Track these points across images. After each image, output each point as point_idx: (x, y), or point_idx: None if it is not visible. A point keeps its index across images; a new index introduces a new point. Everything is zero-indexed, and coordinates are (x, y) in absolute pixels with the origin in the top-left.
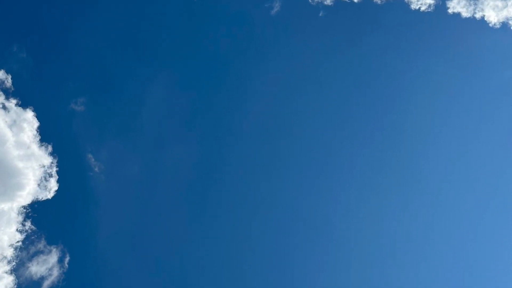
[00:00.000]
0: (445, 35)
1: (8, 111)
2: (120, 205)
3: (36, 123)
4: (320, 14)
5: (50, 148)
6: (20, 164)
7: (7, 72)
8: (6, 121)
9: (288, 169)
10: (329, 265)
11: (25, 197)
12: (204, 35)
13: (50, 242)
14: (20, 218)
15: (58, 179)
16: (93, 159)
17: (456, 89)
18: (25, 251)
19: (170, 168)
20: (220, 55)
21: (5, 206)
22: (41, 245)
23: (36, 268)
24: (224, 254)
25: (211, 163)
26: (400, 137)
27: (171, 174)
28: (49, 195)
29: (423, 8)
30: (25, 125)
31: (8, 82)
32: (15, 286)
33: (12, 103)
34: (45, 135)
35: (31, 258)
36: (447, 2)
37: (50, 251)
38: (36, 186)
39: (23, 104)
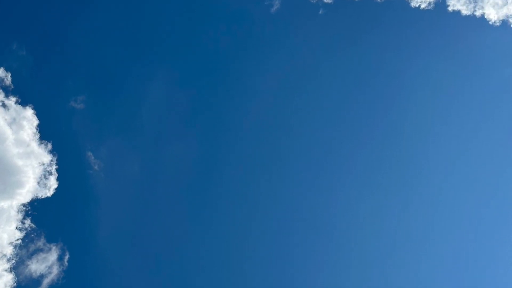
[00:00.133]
0: (445, 33)
1: (8, 109)
2: (119, 203)
3: (35, 121)
4: (320, 12)
5: (49, 146)
6: (20, 162)
7: (6, 70)
8: (5, 119)
9: (288, 167)
10: (329, 264)
11: (25, 195)
12: (203, 32)
13: (50, 240)
14: (20, 216)
15: (57, 177)
16: (92, 157)
17: (456, 87)
18: (25, 249)
19: (170, 166)
20: (220, 53)
21: (5, 204)
22: (40, 243)
23: (36, 266)
24: (223, 252)
25: (210, 161)
26: (400, 135)
27: (171, 172)
28: (49, 193)
29: (423, 6)
30: (24, 123)
31: (8, 80)
32: (15, 284)
33: (11, 101)
34: (44, 133)
35: (30, 256)
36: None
37: (50, 249)
38: (35, 184)
39: (22, 102)
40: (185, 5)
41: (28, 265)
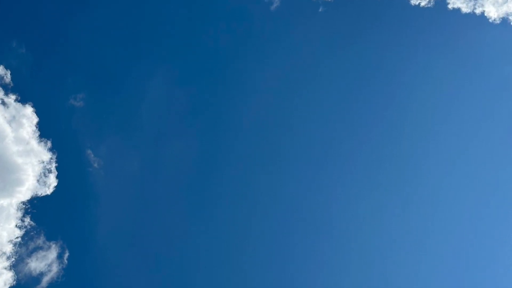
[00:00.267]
0: (445, 31)
1: (7, 107)
2: (119, 201)
3: (35, 119)
4: (320, 10)
5: (49, 144)
6: (19, 160)
7: (6, 67)
8: (5, 117)
9: (287, 165)
10: (328, 263)
11: (24, 193)
12: (203, 31)
13: (49, 238)
14: (19, 214)
15: (57, 175)
16: (92, 155)
17: (456, 84)
18: (24, 247)
19: (169, 164)
20: (220, 51)
21: (4, 202)
22: (40, 241)
23: (36, 264)
24: (223, 249)
25: (210, 159)
26: (400, 133)
27: (170, 170)
28: (48, 191)
29: (423, 4)
30: (24, 120)
31: (7, 77)
32: (14, 282)
33: (11, 98)
34: (44, 130)
35: (30, 254)
36: None
37: (49, 247)
38: (35, 182)
39: (22, 100)
40: (185, 3)
41: (27, 263)
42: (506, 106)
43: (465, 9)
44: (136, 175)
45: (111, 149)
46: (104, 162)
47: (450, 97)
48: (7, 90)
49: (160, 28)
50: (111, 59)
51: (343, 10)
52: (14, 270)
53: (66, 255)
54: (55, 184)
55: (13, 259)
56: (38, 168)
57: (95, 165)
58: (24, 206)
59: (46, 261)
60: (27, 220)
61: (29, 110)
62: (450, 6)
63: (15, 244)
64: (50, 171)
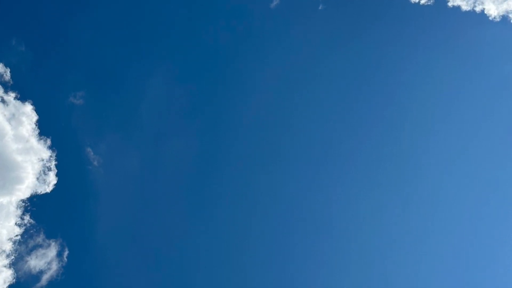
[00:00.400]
0: (445, 29)
1: (7, 105)
2: (119, 199)
3: (35, 117)
4: (320, 7)
5: (49, 142)
6: (19, 158)
7: (6, 65)
8: (5, 115)
9: (287, 163)
10: (328, 262)
11: (24, 190)
12: (203, 28)
13: (49, 236)
14: (19, 212)
15: (57, 172)
16: (92, 153)
17: (456, 82)
18: (24, 245)
19: (169, 162)
20: (220, 48)
21: (4, 199)
22: (40, 239)
23: (35, 262)
24: (222, 247)
25: (210, 157)
26: (400, 131)
27: (170, 168)
28: (48, 188)
29: (423, 1)
30: (24, 118)
31: (7, 75)
32: (14, 280)
33: (11, 96)
34: (44, 128)
35: (30, 252)
36: None
37: (49, 245)
38: (35, 179)
39: (22, 98)
40: (184, 1)
41: (27, 261)
42: (506, 104)
43: (465, 7)
44: (136, 173)
45: (111, 147)
46: (104, 160)
47: (450, 95)
48: (7, 88)
49: (160, 26)
50: (111, 57)
51: (343, 7)
52: (13, 268)
53: (66, 253)
54: (55, 182)
55: (12, 257)
56: (38, 166)
57: (95, 163)
58: (23, 204)
59: (46, 259)
60: (27, 218)
61: (28, 108)
62: (450, 4)
63: (14, 242)
64: (49, 169)
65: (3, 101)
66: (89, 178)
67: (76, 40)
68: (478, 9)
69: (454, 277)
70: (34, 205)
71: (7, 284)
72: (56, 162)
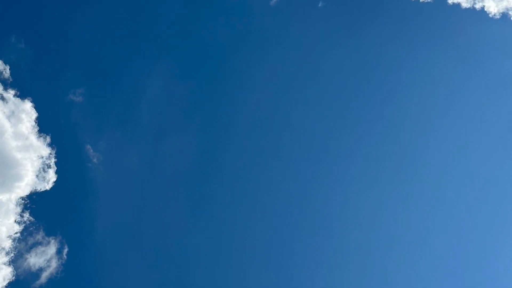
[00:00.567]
0: (445, 26)
1: (6, 102)
2: (118, 197)
3: (34, 114)
4: (320, 5)
5: (48, 139)
6: (18, 155)
7: (5, 62)
8: (4, 112)
9: (287, 161)
10: (328, 260)
11: (24, 188)
12: (203, 26)
13: (49, 233)
14: (19, 209)
15: (56, 170)
16: (91, 150)
17: (455, 80)
18: (23, 243)
19: (169, 159)
20: (219, 46)
21: (3, 197)
22: (39, 236)
23: (35, 260)
24: (222, 245)
25: (210, 155)
26: (399, 129)
27: (170, 166)
28: (48, 186)
29: None
30: (23, 116)
31: (6, 72)
32: (14, 277)
33: (10, 93)
34: (43, 126)
35: (29, 249)
36: None
37: (49, 243)
38: (34, 177)
39: (21, 95)
40: None
41: (26, 259)
42: (506, 102)
43: (465, 4)
44: (136, 171)
45: (111, 145)
46: (104, 158)
47: (450, 93)
48: (6, 85)
49: (159, 24)
50: (111, 54)
51: (342, 5)
52: (13, 265)
53: (65, 250)
54: (54, 179)
55: (12, 255)
56: (37, 164)
57: (95, 160)
58: (23, 201)
59: (45, 257)
60: (26, 215)
61: (28, 105)
62: (450, 1)
63: (14, 240)
64: (49, 166)
65: (3, 98)
66: (88, 175)
67: (76, 37)
68: (478, 6)
69: (454, 276)
70: (33, 203)
71: (6, 282)
72: (55, 160)
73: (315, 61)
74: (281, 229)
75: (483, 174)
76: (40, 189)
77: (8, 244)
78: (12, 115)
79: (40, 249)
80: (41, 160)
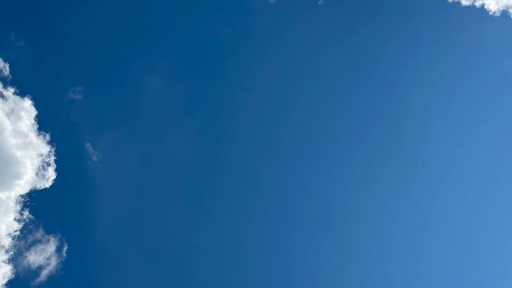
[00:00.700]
0: (445, 24)
1: (6, 100)
2: (118, 194)
3: (34, 112)
4: (319, 2)
5: (48, 137)
6: (18, 153)
7: (5, 60)
8: (4, 110)
9: (287, 159)
10: (327, 260)
11: (23, 186)
12: (202, 24)
13: (48, 231)
14: (18, 207)
15: (56, 168)
16: (91, 148)
17: (455, 77)
18: (23, 240)
19: (169, 157)
20: (219, 44)
21: (3, 195)
22: (39, 234)
23: (34, 258)
24: (222, 242)
25: (209, 153)
26: (399, 127)
27: (170, 164)
28: (47, 184)
29: None
30: (23, 114)
31: (6, 70)
32: (13, 275)
33: (10, 91)
34: (43, 124)
35: (29, 247)
36: None
37: (48, 240)
38: (34, 175)
39: (21, 93)
40: None
41: (26, 257)
42: (506, 100)
43: (465, 1)
44: (135, 169)
45: (110, 142)
46: (103, 155)
47: (450, 90)
48: (6, 83)
49: (159, 22)
50: (111, 52)
51: (342, 3)
52: (12, 263)
53: (65, 248)
54: (54, 177)
55: (11, 253)
56: (37, 161)
57: (94, 158)
58: (22, 199)
59: (45, 255)
60: (26, 213)
61: (27, 103)
62: None
63: (13, 238)
64: (49, 164)
65: (2, 96)
66: (88, 173)
67: (76, 35)
68: (478, 4)
69: (454, 276)
70: (33, 201)
71: (6, 280)
72: (55, 157)
73: (314, 59)
74: (280, 227)
75: (483, 172)
76: (40, 187)
77: (7, 242)
78: (11, 113)
79: (40, 247)
80: (40, 158)
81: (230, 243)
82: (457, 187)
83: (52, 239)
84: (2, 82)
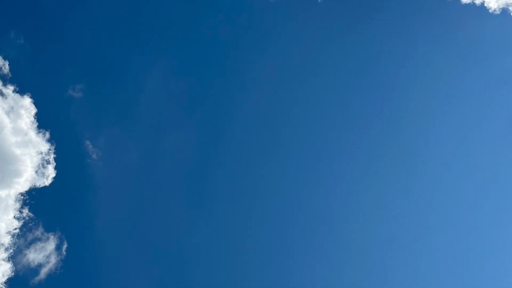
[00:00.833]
0: (444, 21)
1: (6, 98)
2: (118, 192)
3: (33, 110)
4: (319, 0)
5: (47, 135)
6: (18, 151)
7: (4, 58)
8: (3, 108)
9: (287, 157)
10: (327, 259)
11: (23, 184)
12: (202, 22)
13: (48, 229)
14: (18, 205)
15: (55, 166)
16: (90, 146)
17: (455, 75)
18: (23, 238)
19: (169, 155)
20: (219, 42)
21: (3, 193)
22: (38, 232)
23: (34, 256)
24: (222, 240)
25: (209, 152)
26: (399, 125)
27: (170, 162)
28: (47, 182)
29: None
30: (22, 111)
31: (6, 68)
32: (13, 273)
33: (9, 89)
34: (42, 121)
35: (28, 245)
36: None
37: (48, 238)
38: (33, 173)
39: (20, 91)
40: None
41: (26, 255)
42: (506, 98)
43: None
44: (135, 166)
45: (110, 140)
46: (103, 153)
47: (450, 88)
48: (5, 81)
49: (158, 20)
50: (110, 50)
51: (341, 1)
52: (12, 261)
53: (65, 246)
54: (54, 175)
55: (11, 251)
56: (37, 159)
57: (94, 156)
58: (22, 197)
59: (45, 253)
60: (26, 211)
61: (27, 101)
62: None
63: (13, 236)
64: (48, 162)
65: (2, 94)
66: (88, 171)
67: (75, 33)
68: (478, 1)
69: (454, 275)
70: (32, 199)
71: (5, 278)
72: (55, 155)
73: (314, 57)
74: (280, 224)
75: (483, 170)
76: (39, 185)
77: (7, 240)
78: (11, 111)
79: (39, 245)
80: (40, 156)
81: (230, 241)
82: (457, 185)
83: (52, 237)
84: (1, 80)
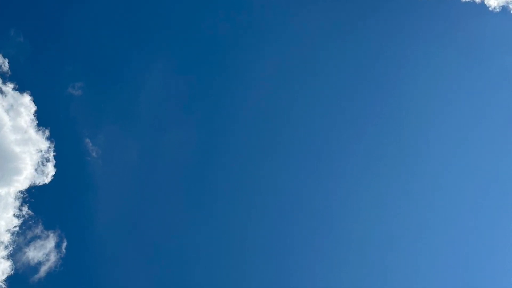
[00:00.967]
0: (444, 19)
1: (5, 96)
2: (118, 190)
3: (33, 108)
4: None
5: (47, 133)
6: (17, 149)
7: (4, 56)
8: (3, 106)
9: (287, 156)
10: (327, 258)
11: (22, 182)
12: (202, 20)
13: (47, 227)
14: (17, 203)
15: (55, 164)
16: (90, 144)
17: (455, 73)
18: (22, 236)
19: (168, 153)
20: (219, 39)
21: (2, 191)
22: (38, 230)
23: (33, 253)
24: (222, 238)
25: (209, 150)
26: (399, 124)
27: (169, 160)
28: (47, 180)
29: None
30: (22, 109)
31: (5, 66)
32: (12, 271)
33: (9, 87)
34: (42, 119)
35: (28, 243)
36: None
37: (47, 236)
38: (33, 171)
39: (20, 89)
40: None
41: (25, 252)
42: (506, 97)
43: None
44: (135, 164)
45: (110, 138)
46: (103, 151)
47: (449, 87)
48: (5, 79)
49: (158, 18)
50: (110, 47)
51: None
52: (12, 259)
53: (64, 244)
54: (53, 173)
55: (11, 249)
56: (36, 157)
57: (94, 154)
58: (22, 195)
59: (44, 251)
60: (25, 209)
61: (27, 98)
62: None
63: (13, 234)
64: (48, 160)
65: (1, 92)
66: (87, 169)
67: (75, 31)
68: None
69: (454, 275)
70: (32, 196)
71: (5, 276)
72: (54, 153)
73: (314, 56)
74: (280, 222)
75: (483, 170)
76: (39, 183)
77: (7, 238)
78: (11, 109)
79: (39, 243)
80: (40, 154)
81: (230, 240)
82: (456, 185)
83: (52, 235)
84: (1, 77)
